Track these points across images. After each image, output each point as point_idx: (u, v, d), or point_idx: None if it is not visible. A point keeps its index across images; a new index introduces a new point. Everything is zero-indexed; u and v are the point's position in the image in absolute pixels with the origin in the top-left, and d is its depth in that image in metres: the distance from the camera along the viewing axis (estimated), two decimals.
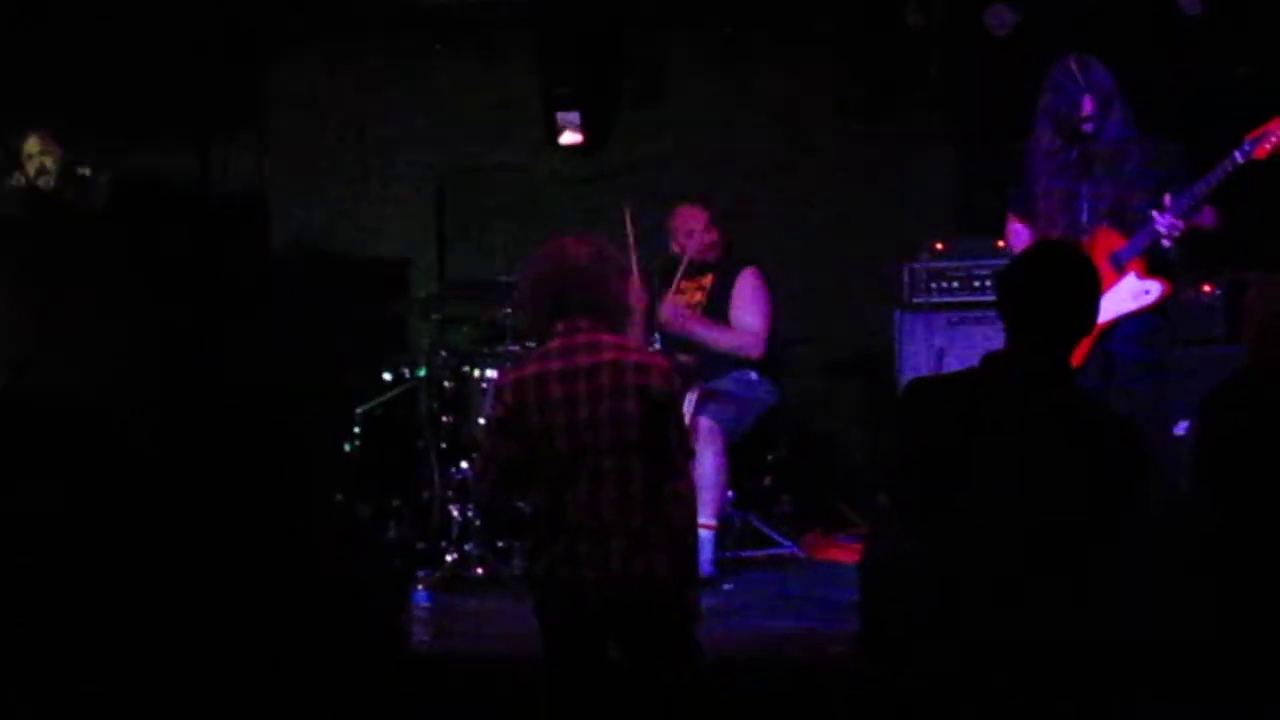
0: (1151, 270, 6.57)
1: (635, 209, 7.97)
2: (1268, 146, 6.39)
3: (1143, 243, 6.52)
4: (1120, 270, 6.54)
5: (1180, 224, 6.42)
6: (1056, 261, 4.45)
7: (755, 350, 8.16)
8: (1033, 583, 4.09)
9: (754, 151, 9.78)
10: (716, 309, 8.26)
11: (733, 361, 8.14)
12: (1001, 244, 7.70)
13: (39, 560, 3.12)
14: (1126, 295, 6.54)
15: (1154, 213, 6.46)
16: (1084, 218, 6.61)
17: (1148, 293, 6.55)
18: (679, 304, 8.19)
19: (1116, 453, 4.19)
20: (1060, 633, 4.09)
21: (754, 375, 8.17)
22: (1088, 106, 6.57)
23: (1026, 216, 6.84)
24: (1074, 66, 6.62)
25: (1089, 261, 4.48)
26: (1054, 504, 4.09)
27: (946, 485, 4.17)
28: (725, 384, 8.04)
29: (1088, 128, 6.59)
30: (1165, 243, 6.48)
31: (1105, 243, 6.57)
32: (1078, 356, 5.83)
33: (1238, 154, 6.40)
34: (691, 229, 8.30)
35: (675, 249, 8.34)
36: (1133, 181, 6.61)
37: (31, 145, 8.30)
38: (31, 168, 8.31)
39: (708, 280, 8.34)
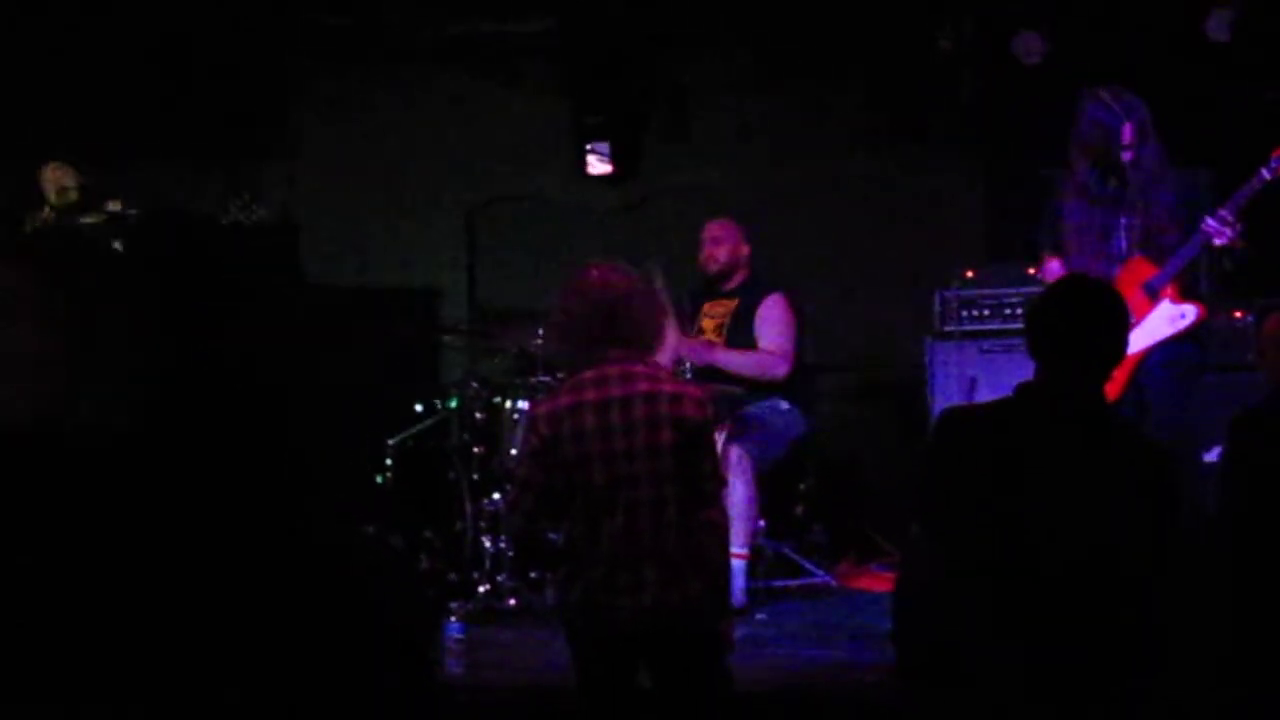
0: (1185, 295, 6.54)
1: (662, 263, 7.85)
2: None
3: (1176, 267, 6.49)
4: (1154, 298, 6.51)
5: (1230, 218, 6.35)
6: (1084, 292, 4.47)
7: (780, 368, 8.14)
8: (1068, 612, 4.08)
9: (784, 178, 9.78)
10: (740, 331, 8.26)
11: (764, 391, 8.12)
12: (1033, 271, 7.67)
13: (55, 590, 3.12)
14: (1163, 321, 6.50)
15: (1206, 218, 6.40)
16: (1120, 248, 6.58)
17: (1183, 316, 6.51)
18: (697, 340, 8.19)
19: (1152, 482, 4.19)
20: (1097, 662, 4.08)
21: (784, 404, 8.15)
22: (1128, 134, 6.54)
23: (1060, 251, 6.81)
24: (1107, 96, 6.59)
25: (1115, 291, 4.50)
26: (1089, 533, 4.09)
27: (980, 515, 4.17)
28: (756, 413, 8.02)
29: (1127, 156, 6.55)
30: (1218, 241, 6.38)
31: (1138, 272, 6.54)
32: (1114, 389, 5.80)
33: (1265, 171, 6.38)
34: (719, 238, 8.33)
35: (704, 261, 8.36)
36: (1165, 211, 6.58)
37: (47, 172, 8.38)
38: (51, 190, 8.38)
39: (734, 304, 8.34)
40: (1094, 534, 4.11)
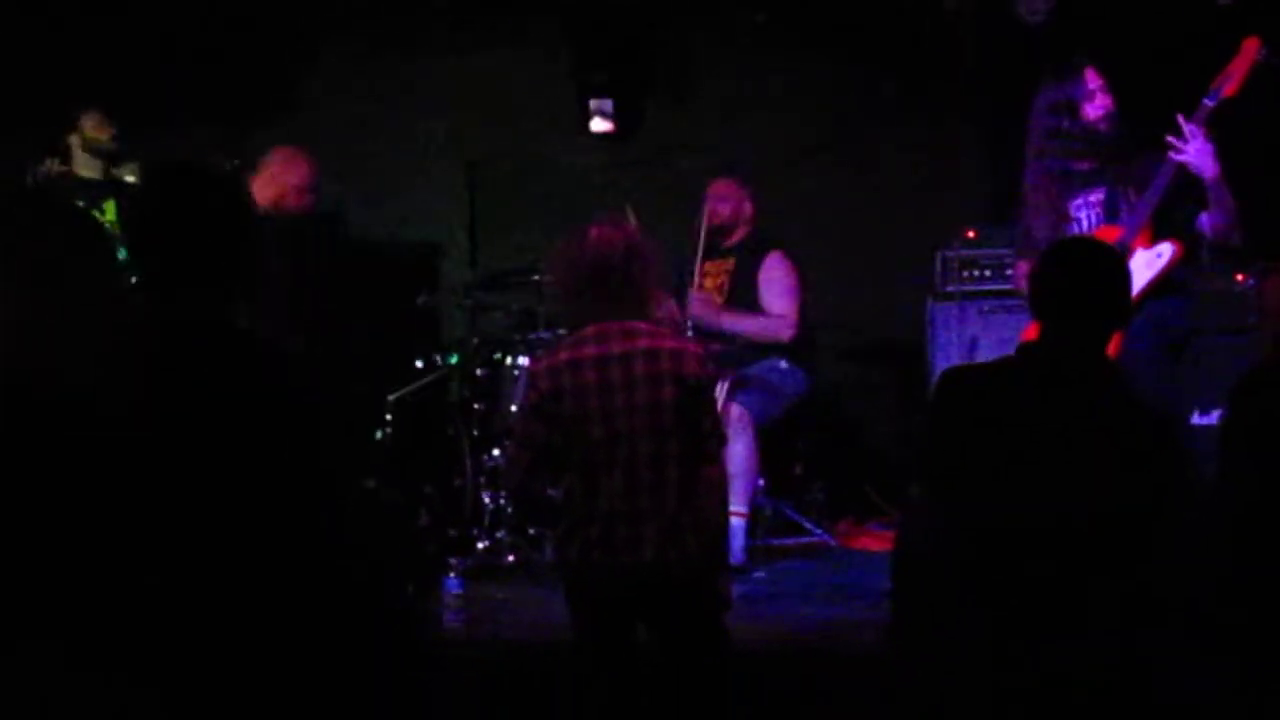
0: (1157, 237, 6.45)
1: (635, 209, 7.71)
2: (1234, 84, 6.32)
3: (1141, 217, 6.39)
4: (1128, 253, 6.44)
5: (1200, 132, 6.26)
6: (1086, 252, 4.47)
7: (786, 332, 8.13)
8: (1066, 574, 4.08)
9: (786, 138, 9.75)
10: (741, 291, 8.25)
11: (764, 349, 8.12)
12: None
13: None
14: (1141, 268, 6.39)
15: (1174, 141, 6.31)
16: (1083, 227, 6.54)
17: (1160, 256, 6.39)
18: (707, 297, 8.17)
19: (1154, 443, 4.19)
20: (1093, 623, 4.09)
21: (784, 364, 8.13)
22: (1095, 108, 6.53)
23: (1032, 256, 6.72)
24: (1079, 72, 6.59)
25: (1117, 252, 4.50)
26: (1088, 495, 4.09)
27: (980, 476, 4.17)
28: (757, 371, 8.02)
29: (1103, 126, 6.53)
30: (1179, 157, 6.27)
31: (1106, 238, 6.48)
32: (1112, 350, 5.75)
33: (1208, 100, 6.32)
34: (723, 195, 8.31)
35: (706, 220, 8.32)
36: (1123, 180, 6.52)
37: (93, 117, 8.33)
38: (89, 125, 8.30)
39: (730, 264, 8.33)
40: (1094, 496, 4.10)
